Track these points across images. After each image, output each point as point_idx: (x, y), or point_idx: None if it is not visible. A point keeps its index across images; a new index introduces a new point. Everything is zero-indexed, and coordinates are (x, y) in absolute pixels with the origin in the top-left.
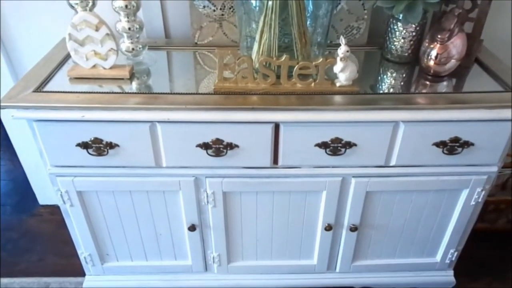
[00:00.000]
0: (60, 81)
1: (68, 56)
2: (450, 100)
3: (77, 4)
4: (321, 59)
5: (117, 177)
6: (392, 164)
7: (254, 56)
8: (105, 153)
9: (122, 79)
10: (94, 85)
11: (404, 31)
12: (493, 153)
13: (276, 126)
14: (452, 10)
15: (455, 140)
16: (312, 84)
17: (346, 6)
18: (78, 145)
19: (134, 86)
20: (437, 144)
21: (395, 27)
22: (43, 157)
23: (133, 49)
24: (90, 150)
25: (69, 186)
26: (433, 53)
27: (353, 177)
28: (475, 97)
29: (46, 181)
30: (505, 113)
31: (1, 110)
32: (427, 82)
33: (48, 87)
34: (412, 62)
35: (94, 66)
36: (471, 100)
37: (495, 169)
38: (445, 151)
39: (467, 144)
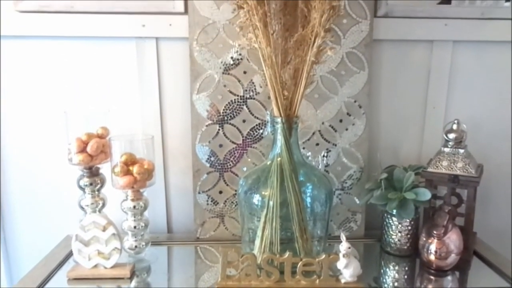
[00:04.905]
0: (59, 283)
1: (69, 255)
2: None
3: (87, 206)
4: (324, 256)
5: None
6: None
7: (256, 251)
8: None
9: (122, 278)
10: (93, 286)
11: (400, 225)
12: None
13: None
14: (442, 207)
15: None
16: (317, 281)
17: (340, 201)
18: None
19: (133, 286)
20: None
21: (390, 221)
22: None
23: (136, 246)
24: None
25: None
26: (432, 248)
27: None
28: None
29: None
30: None
31: None
32: (432, 277)
33: None
34: (412, 255)
35: (95, 266)
36: None
37: None
38: None
39: None
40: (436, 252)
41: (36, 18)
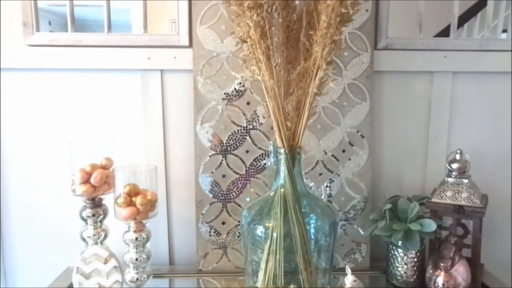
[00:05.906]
0: None
1: None
2: None
3: (89, 237)
4: None
5: None
6: None
7: (259, 284)
8: None
9: None
10: None
11: (406, 257)
12: None
13: None
14: (448, 238)
15: None
16: None
17: (344, 232)
18: None
19: None
20: None
21: (396, 252)
22: None
23: (137, 279)
24: None
25: None
26: (440, 281)
27: None
28: None
29: None
30: None
31: None
32: None
33: None
34: None
35: None
36: None
37: None
38: None
39: None
40: (443, 285)
41: (44, 52)
